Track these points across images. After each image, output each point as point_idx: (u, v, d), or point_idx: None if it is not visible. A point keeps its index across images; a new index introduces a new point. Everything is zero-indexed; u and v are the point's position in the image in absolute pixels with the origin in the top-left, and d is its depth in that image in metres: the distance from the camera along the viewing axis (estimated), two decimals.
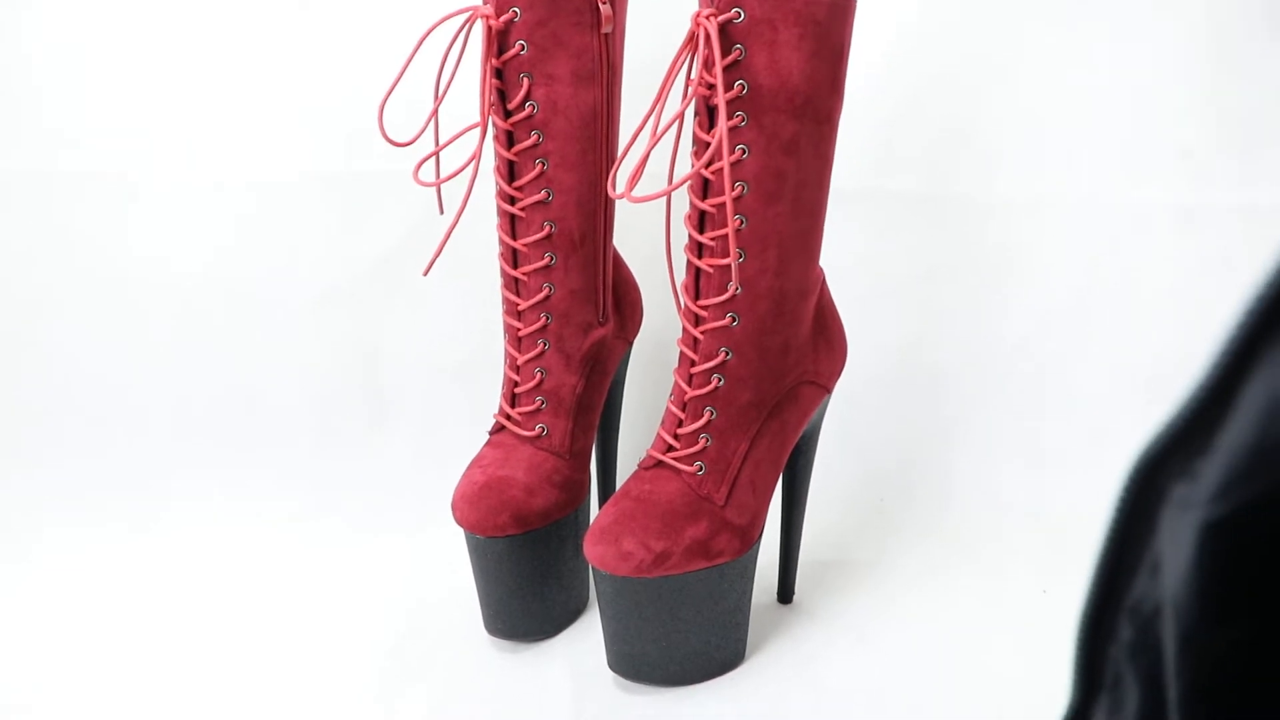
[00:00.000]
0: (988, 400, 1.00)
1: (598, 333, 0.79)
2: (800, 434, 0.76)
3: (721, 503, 0.70)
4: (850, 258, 0.91)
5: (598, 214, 0.77)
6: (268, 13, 1.01)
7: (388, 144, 0.72)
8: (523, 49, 0.72)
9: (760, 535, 0.74)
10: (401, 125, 0.74)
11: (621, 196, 0.62)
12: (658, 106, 0.64)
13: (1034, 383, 0.99)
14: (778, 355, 0.71)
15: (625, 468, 0.94)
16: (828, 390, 0.77)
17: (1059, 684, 0.66)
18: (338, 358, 1.06)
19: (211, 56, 1.03)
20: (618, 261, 0.84)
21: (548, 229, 0.75)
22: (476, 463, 0.78)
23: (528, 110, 0.73)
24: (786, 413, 0.73)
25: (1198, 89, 0.93)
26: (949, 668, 0.76)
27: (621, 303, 0.83)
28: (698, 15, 0.63)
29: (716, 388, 0.70)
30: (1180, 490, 0.26)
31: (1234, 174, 0.94)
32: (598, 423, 0.82)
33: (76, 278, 1.07)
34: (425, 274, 0.72)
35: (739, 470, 0.71)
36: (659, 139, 0.63)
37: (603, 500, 0.90)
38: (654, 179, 0.71)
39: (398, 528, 0.94)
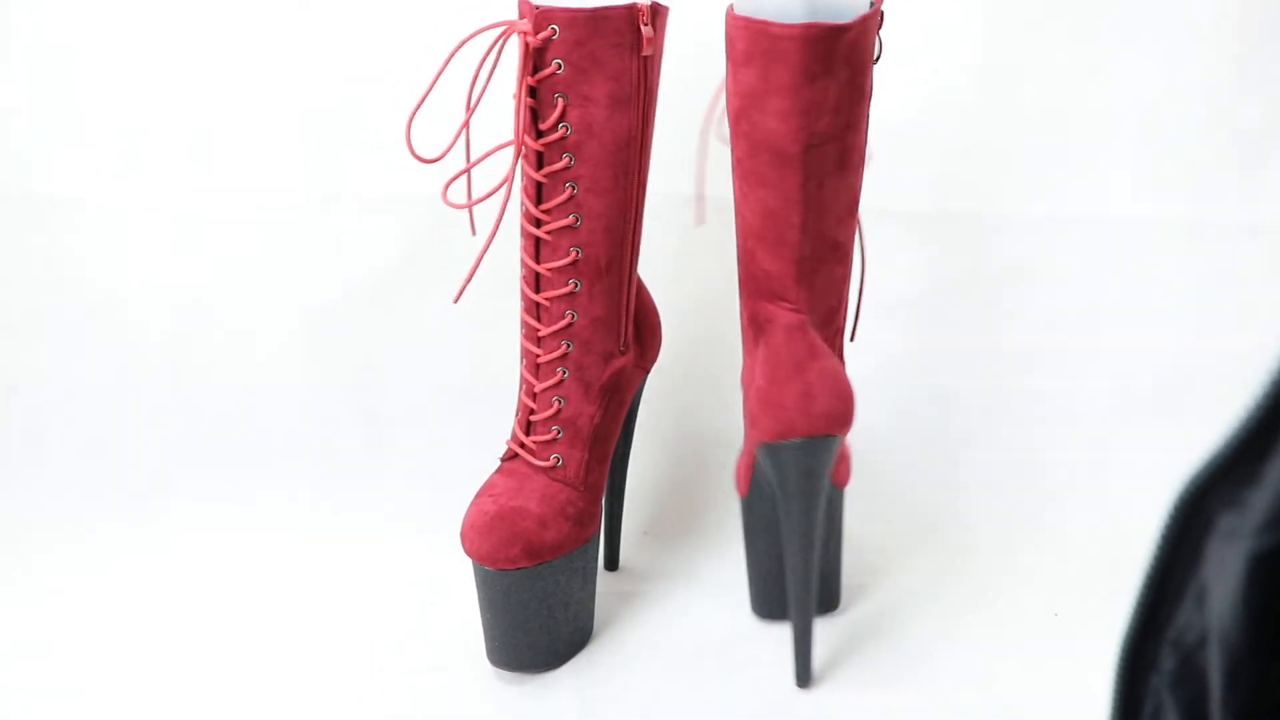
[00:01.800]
0: (992, 417, 0.99)
1: (618, 362, 0.77)
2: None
3: None
4: (854, 276, 0.90)
5: (626, 241, 0.75)
6: (280, 18, 0.97)
7: (415, 159, 0.69)
8: (559, 68, 0.69)
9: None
10: (426, 141, 0.71)
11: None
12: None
13: (1039, 399, 0.99)
14: None
15: (631, 494, 0.92)
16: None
17: (1072, 711, 0.66)
18: (335, 380, 1.02)
19: (214, 64, 0.99)
20: (640, 288, 0.82)
21: (574, 254, 0.73)
22: (486, 490, 0.75)
23: (560, 132, 0.71)
24: None
25: (1203, 105, 0.93)
26: (959, 694, 0.75)
27: (642, 331, 0.81)
28: None
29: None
30: (1228, 520, 0.25)
31: (1239, 190, 0.94)
32: (612, 454, 0.80)
33: (68, 299, 1.03)
34: (456, 301, 0.69)
35: None
36: None
37: (609, 528, 0.88)
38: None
39: (397, 553, 0.91)
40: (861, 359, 0.81)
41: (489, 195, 0.68)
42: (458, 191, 0.70)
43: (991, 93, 0.95)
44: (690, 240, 0.95)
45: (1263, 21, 0.90)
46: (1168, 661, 0.28)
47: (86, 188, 1.01)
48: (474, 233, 0.73)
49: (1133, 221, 0.95)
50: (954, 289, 0.98)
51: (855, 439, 0.91)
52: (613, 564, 0.89)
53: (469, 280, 0.69)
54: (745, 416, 0.74)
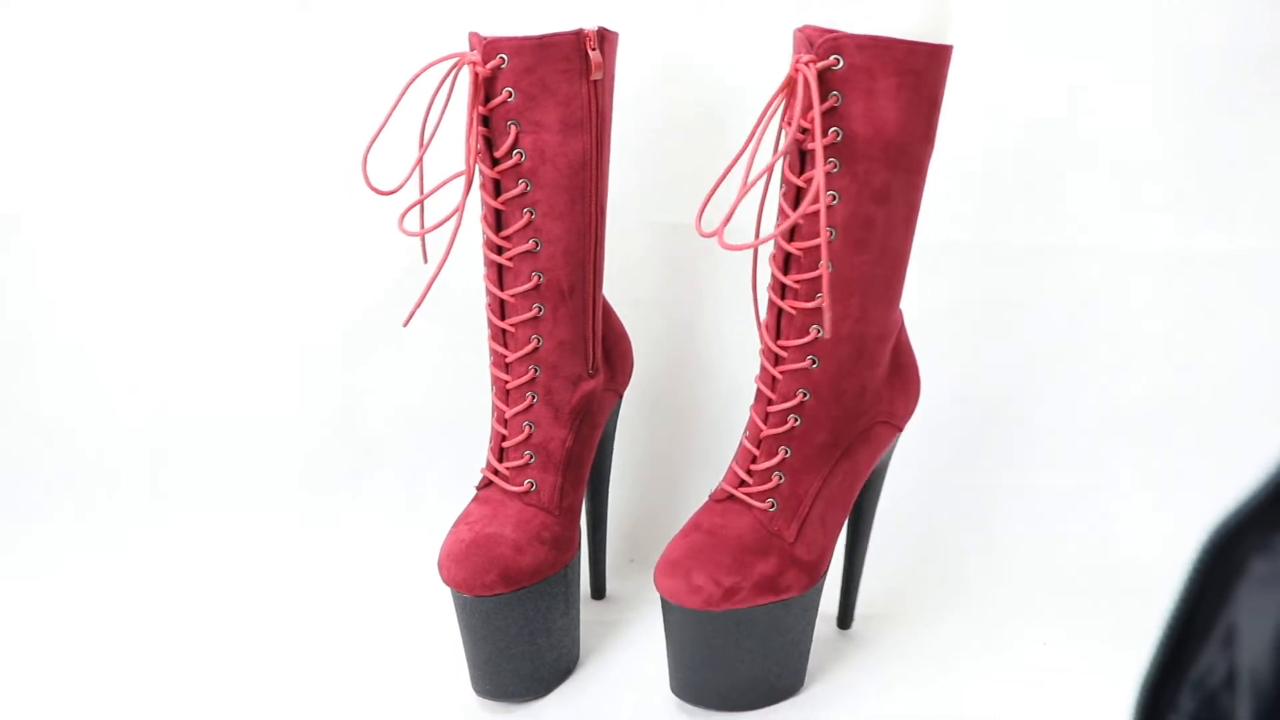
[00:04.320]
0: (979, 445, 0.98)
1: (587, 385, 0.77)
2: (870, 471, 0.76)
3: (792, 539, 0.70)
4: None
5: (587, 264, 0.75)
6: (256, 53, 1.00)
7: (372, 192, 0.70)
8: (510, 96, 0.70)
9: (826, 570, 0.73)
10: (388, 172, 0.73)
11: (712, 235, 0.60)
12: (749, 147, 0.63)
13: (1026, 427, 0.97)
14: (854, 397, 0.71)
15: (615, 521, 0.92)
16: (899, 430, 0.77)
17: None
18: (319, 410, 1.04)
19: (196, 97, 1.01)
20: (608, 312, 0.82)
21: (536, 279, 0.74)
22: (463, 519, 0.75)
23: (515, 158, 0.71)
24: (859, 452, 0.73)
25: (1185, 135, 0.92)
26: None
27: (611, 354, 0.81)
28: (797, 61, 0.62)
29: (793, 428, 0.70)
30: (1263, 565, 0.25)
31: (1221, 217, 0.93)
32: (588, 477, 0.80)
33: (48, 329, 1.05)
34: (405, 325, 0.70)
35: (810, 508, 0.71)
36: (751, 186, 0.61)
37: (593, 556, 0.88)
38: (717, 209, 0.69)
39: (381, 583, 0.92)
40: None
41: (440, 224, 0.68)
42: (413, 221, 0.72)
43: (976, 126, 0.95)
44: (660, 264, 0.95)
45: (1242, 52, 0.89)
46: (1188, 703, 0.28)
47: (62, 219, 1.05)
48: (425, 261, 0.74)
49: (1117, 249, 0.95)
50: (939, 318, 0.97)
51: None
52: (599, 592, 0.89)
53: (418, 306, 0.70)
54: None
